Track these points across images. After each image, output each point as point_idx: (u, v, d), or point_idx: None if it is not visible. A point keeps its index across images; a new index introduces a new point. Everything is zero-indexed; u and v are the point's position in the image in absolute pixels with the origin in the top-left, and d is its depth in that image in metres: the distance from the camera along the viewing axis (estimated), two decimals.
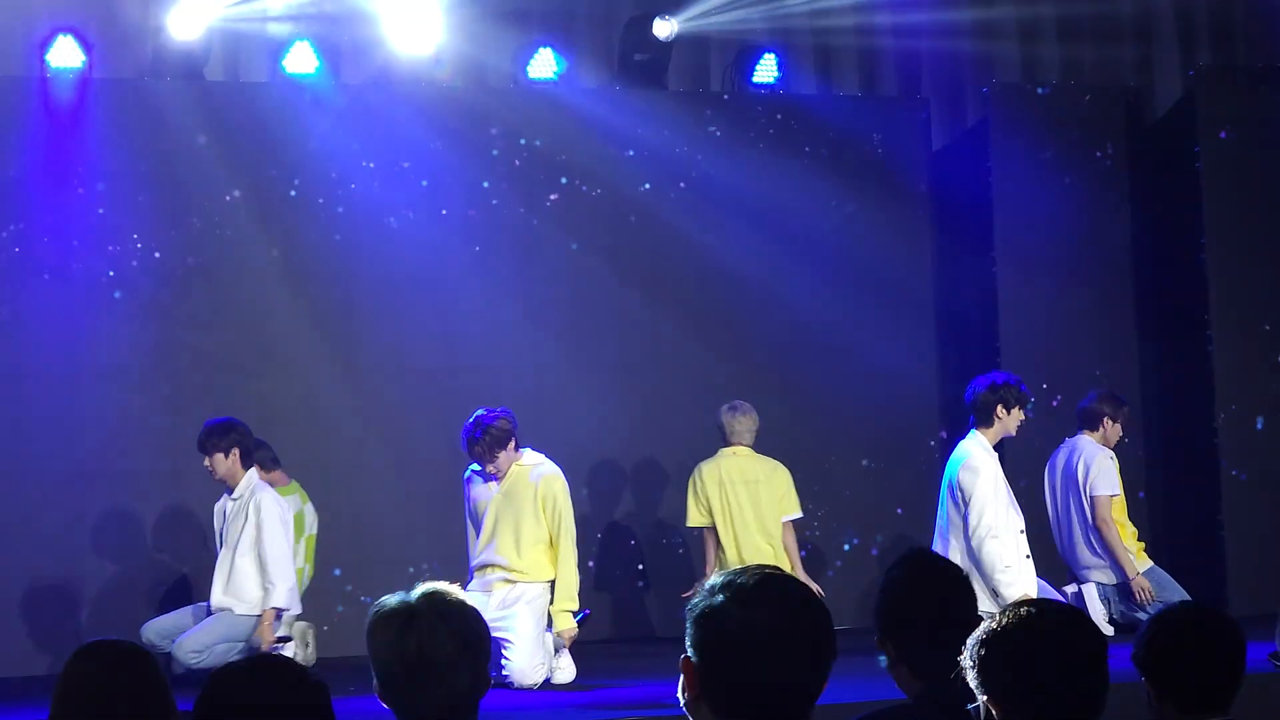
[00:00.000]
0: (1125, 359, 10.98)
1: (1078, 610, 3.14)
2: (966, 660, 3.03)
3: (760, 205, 10.90)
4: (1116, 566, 9.20)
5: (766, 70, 11.09)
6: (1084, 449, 9.37)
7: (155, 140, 10.05)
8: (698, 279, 10.78)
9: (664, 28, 10.72)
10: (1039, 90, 11.06)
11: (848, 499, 10.90)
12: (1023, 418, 8.74)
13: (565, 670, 8.18)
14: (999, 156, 10.90)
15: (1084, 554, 9.30)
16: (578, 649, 8.63)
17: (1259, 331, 10.63)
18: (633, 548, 10.63)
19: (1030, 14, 11.59)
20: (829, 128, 11.08)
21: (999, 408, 8.65)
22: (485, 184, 10.51)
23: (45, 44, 9.90)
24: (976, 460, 8.49)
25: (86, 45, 9.95)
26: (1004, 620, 3.03)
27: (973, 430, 8.68)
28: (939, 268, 11.21)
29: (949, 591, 3.67)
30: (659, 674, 7.90)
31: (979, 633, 3.04)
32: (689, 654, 2.57)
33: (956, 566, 3.77)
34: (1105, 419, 9.43)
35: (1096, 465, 9.29)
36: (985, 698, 2.98)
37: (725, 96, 11.10)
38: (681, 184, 10.81)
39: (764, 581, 2.59)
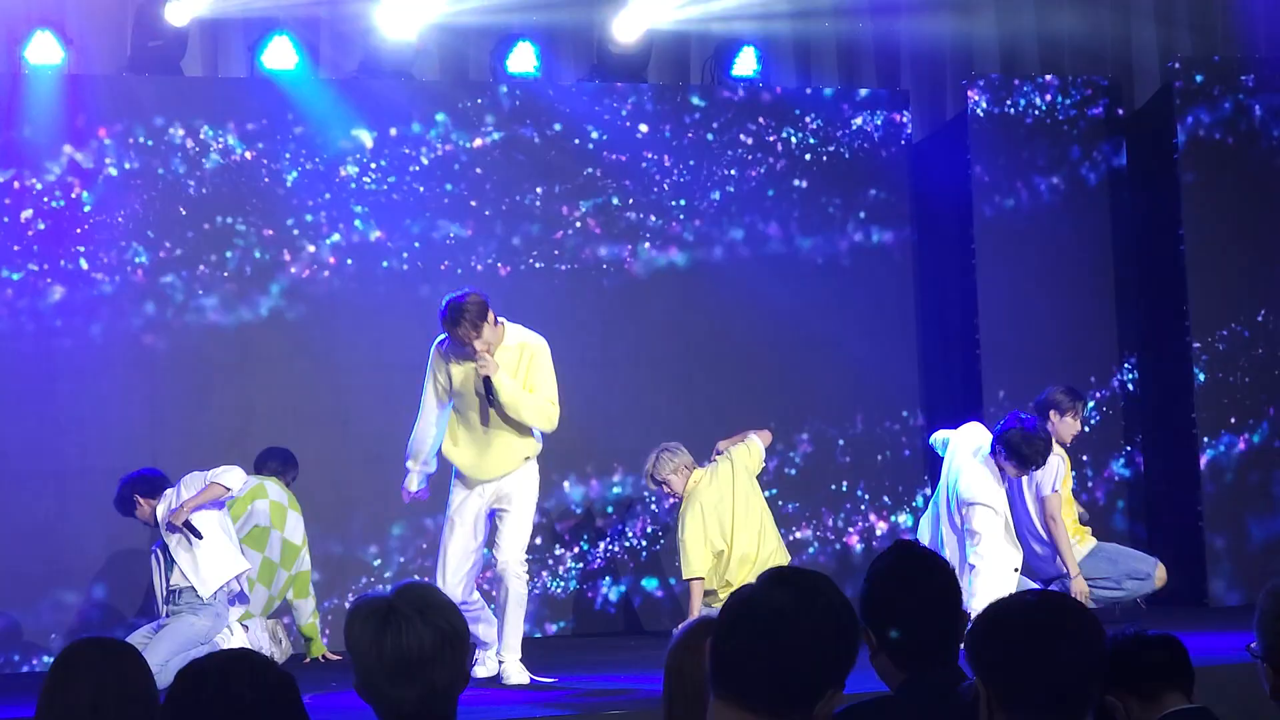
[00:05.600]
0: (1105, 350, 11.00)
1: (1074, 599, 3.16)
2: (965, 645, 3.04)
3: (739, 198, 10.91)
4: (1059, 561, 9.03)
5: (746, 64, 11.10)
6: None
7: (135, 137, 10.02)
8: (677, 273, 10.78)
9: (625, 29, 10.69)
10: (1018, 83, 11.07)
11: (828, 493, 10.91)
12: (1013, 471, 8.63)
13: (519, 674, 7.83)
14: (978, 149, 10.91)
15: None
16: (585, 642, 8.63)
17: (1238, 322, 10.65)
18: (634, 542, 10.63)
19: (1009, 6, 11.60)
20: (809, 121, 11.09)
21: (1006, 460, 8.53)
22: (466, 178, 10.50)
23: (22, 40, 9.87)
24: (984, 494, 8.45)
25: (66, 41, 9.91)
26: (1003, 606, 3.04)
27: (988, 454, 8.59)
28: (919, 261, 11.22)
29: (933, 583, 3.68)
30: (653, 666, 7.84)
31: (978, 618, 3.05)
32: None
33: (942, 558, 3.78)
34: (1052, 411, 9.23)
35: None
36: (982, 684, 2.98)
37: (704, 91, 11.09)
38: (660, 177, 10.82)
39: (796, 571, 2.76)
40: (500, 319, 7.75)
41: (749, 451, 9.12)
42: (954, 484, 8.55)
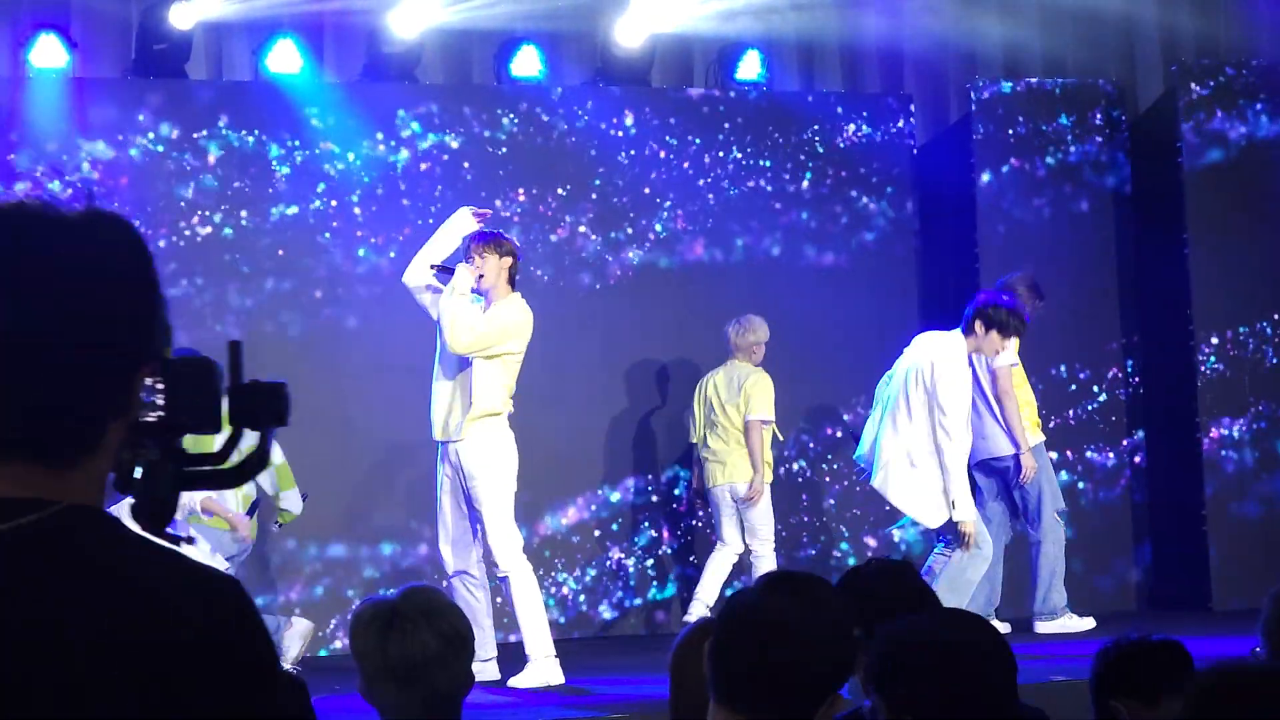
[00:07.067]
0: (1109, 354, 10.99)
1: (980, 618, 3.16)
2: (869, 677, 2.96)
3: (743, 201, 10.91)
4: (1011, 439, 9.12)
5: (750, 67, 11.10)
6: None
7: (139, 140, 10.03)
8: (681, 275, 10.78)
9: (629, 33, 10.70)
10: (1021, 87, 11.06)
11: (830, 494, 10.91)
12: (1002, 347, 8.77)
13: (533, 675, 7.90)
14: (981, 153, 10.91)
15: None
16: (577, 646, 8.55)
17: (1242, 325, 10.65)
18: (641, 547, 10.63)
19: (1013, 10, 11.60)
20: (812, 124, 11.08)
21: (978, 324, 8.66)
22: (470, 181, 10.51)
23: (26, 43, 9.87)
24: (953, 367, 8.57)
25: (70, 44, 9.91)
26: (918, 630, 2.99)
27: (958, 331, 8.74)
28: (922, 263, 11.23)
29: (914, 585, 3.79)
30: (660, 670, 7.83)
31: (881, 653, 2.98)
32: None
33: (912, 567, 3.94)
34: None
35: None
36: (890, 708, 2.92)
37: (708, 94, 11.10)
38: (664, 181, 10.81)
39: (794, 576, 2.79)
40: (515, 291, 8.08)
41: (757, 389, 9.57)
42: (911, 373, 8.64)
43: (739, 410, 9.55)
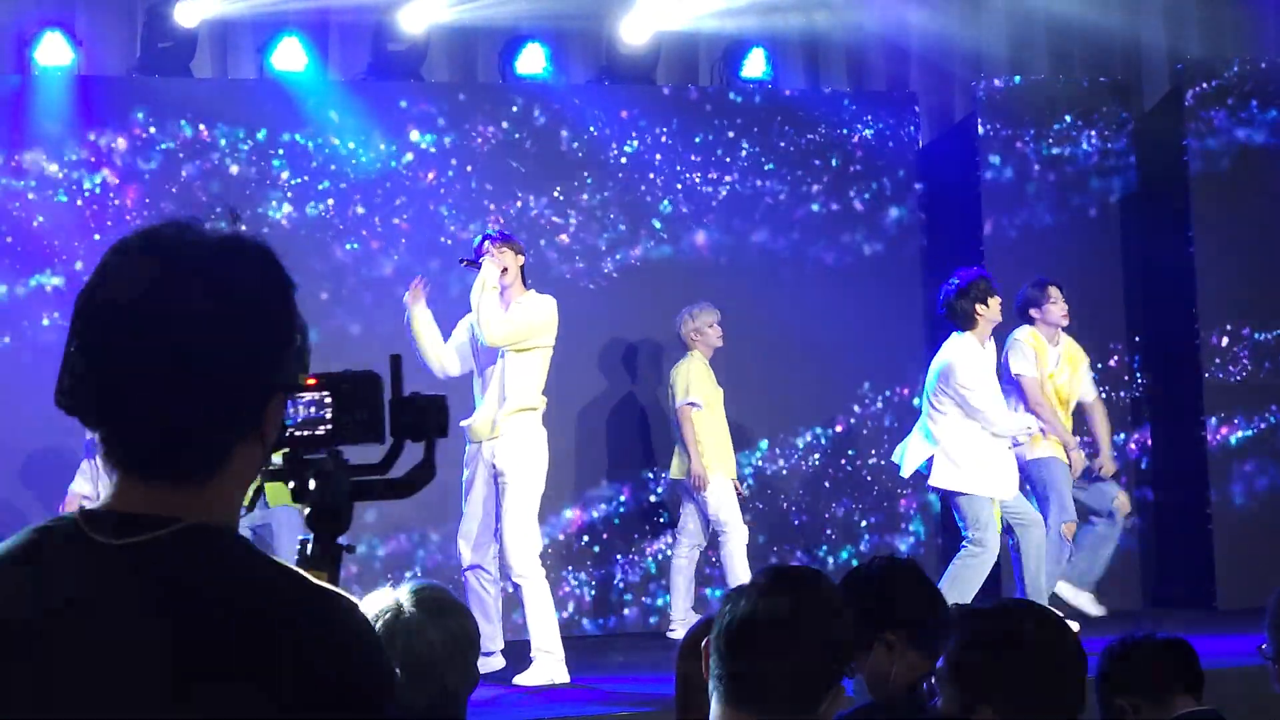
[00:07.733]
0: (1114, 354, 10.98)
1: (1054, 612, 3.18)
2: (949, 660, 3.01)
3: (747, 200, 10.91)
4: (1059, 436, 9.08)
5: (755, 65, 11.10)
6: (1007, 342, 9.23)
7: (145, 138, 10.03)
8: (686, 274, 10.77)
9: (634, 31, 10.72)
10: (1027, 85, 11.05)
11: (834, 489, 10.90)
12: (1002, 301, 8.75)
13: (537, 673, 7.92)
14: (987, 152, 10.90)
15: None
16: (583, 644, 8.56)
17: (1248, 326, 10.64)
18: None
19: (1018, 8, 11.59)
20: (817, 123, 11.07)
21: (977, 307, 8.63)
22: (474, 179, 10.51)
23: (32, 41, 9.87)
24: (966, 358, 8.55)
25: (75, 42, 9.92)
26: (995, 624, 3.03)
27: (956, 332, 8.69)
28: (927, 264, 11.21)
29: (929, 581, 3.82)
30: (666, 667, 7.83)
31: (968, 636, 3.03)
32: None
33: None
34: (1032, 309, 9.23)
35: (1007, 349, 9.12)
36: (971, 698, 2.95)
37: (712, 92, 11.10)
38: (668, 179, 10.81)
39: (792, 572, 2.79)
40: (531, 288, 8.18)
41: (678, 375, 9.61)
42: (931, 385, 8.67)
43: (671, 401, 9.64)
